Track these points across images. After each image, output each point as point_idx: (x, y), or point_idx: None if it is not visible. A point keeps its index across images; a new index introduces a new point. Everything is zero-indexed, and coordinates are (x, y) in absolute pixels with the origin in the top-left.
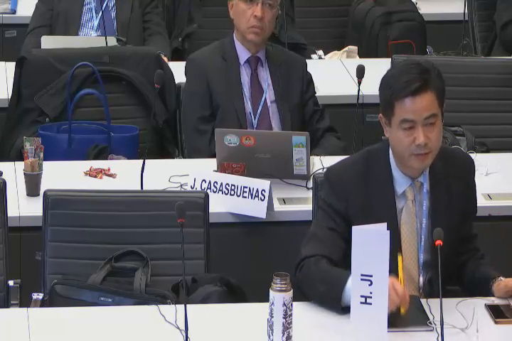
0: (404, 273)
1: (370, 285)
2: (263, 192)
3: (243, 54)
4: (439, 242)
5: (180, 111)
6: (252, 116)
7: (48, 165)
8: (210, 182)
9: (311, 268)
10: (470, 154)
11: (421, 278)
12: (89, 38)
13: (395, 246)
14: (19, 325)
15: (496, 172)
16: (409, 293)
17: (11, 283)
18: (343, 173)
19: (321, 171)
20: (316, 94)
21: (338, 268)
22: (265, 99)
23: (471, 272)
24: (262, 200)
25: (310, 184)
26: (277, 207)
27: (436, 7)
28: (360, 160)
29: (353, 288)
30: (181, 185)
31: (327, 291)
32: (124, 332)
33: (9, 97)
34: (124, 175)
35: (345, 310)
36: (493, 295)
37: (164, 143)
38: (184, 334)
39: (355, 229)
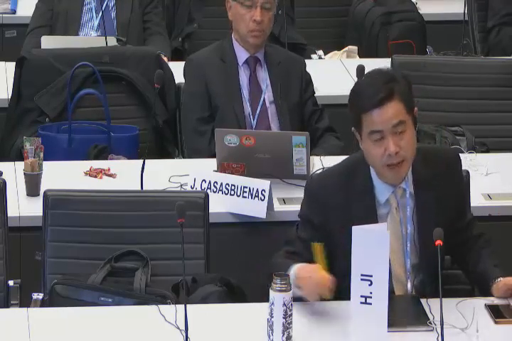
0: (393, 278)
1: (370, 285)
2: (263, 192)
3: (242, 55)
4: (439, 242)
5: (180, 111)
6: (251, 117)
7: (48, 165)
8: (210, 182)
9: (269, 264)
10: (470, 154)
11: (409, 283)
12: (89, 38)
13: None
14: (19, 325)
15: (496, 172)
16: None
17: (11, 283)
18: (323, 183)
19: (320, 171)
20: (316, 94)
21: (289, 260)
22: (264, 99)
23: (473, 265)
24: (262, 200)
25: None
26: (277, 207)
27: (436, 7)
28: (342, 170)
29: (353, 288)
30: (181, 185)
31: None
32: (124, 332)
33: (9, 97)
34: (124, 175)
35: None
36: (493, 295)
37: (164, 143)
38: (184, 334)
39: (355, 229)
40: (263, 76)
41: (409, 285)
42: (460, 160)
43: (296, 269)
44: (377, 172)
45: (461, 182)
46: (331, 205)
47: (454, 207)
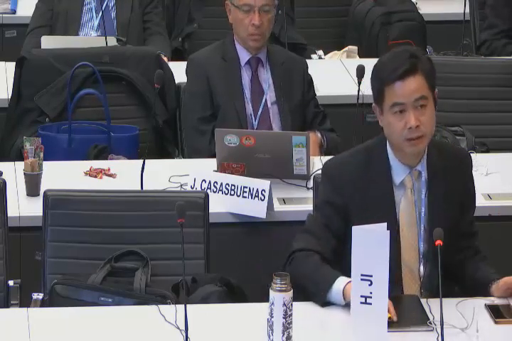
0: (403, 264)
1: (370, 285)
2: (263, 192)
3: (244, 55)
4: (439, 242)
5: (180, 111)
6: (253, 118)
7: (48, 165)
8: (210, 182)
9: (302, 262)
10: (470, 154)
11: (421, 268)
12: (89, 38)
13: (394, 237)
14: (19, 325)
15: (496, 172)
16: (408, 285)
17: (11, 283)
18: (341, 167)
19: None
20: (316, 94)
21: (328, 266)
22: (266, 100)
23: (471, 273)
24: (262, 200)
25: (310, 184)
26: (277, 207)
27: (436, 7)
28: (359, 154)
29: (353, 288)
30: (181, 185)
31: (313, 290)
32: (124, 332)
33: (9, 97)
34: (124, 175)
35: (325, 305)
36: (493, 296)
37: (164, 143)
38: (184, 334)
39: (355, 229)
40: (265, 76)
41: (421, 271)
42: (471, 159)
43: (347, 281)
44: (396, 148)
45: (471, 180)
46: (349, 188)
47: (461, 201)
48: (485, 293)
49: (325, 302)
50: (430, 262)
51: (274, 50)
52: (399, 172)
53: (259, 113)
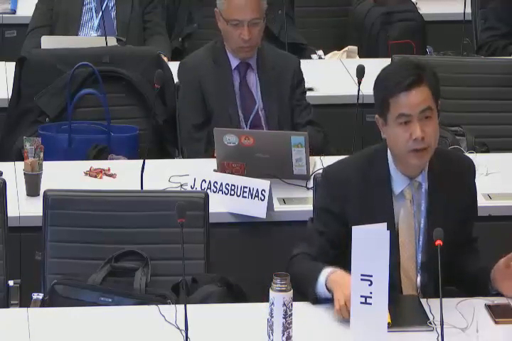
0: (402, 274)
1: (370, 285)
2: (263, 192)
3: (233, 60)
4: (439, 242)
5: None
6: (244, 123)
7: (47, 165)
8: (210, 182)
9: (296, 265)
10: (470, 154)
11: (418, 279)
12: (89, 38)
13: (393, 247)
14: (19, 325)
15: (496, 172)
16: (407, 293)
17: (11, 283)
18: (341, 173)
19: (321, 171)
20: (316, 94)
21: (317, 262)
22: (257, 105)
23: (471, 271)
24: (262, 200)
25: (310, 184)
26: (277, 207)
27: (436, 7)
28: (360, 160)
29: (353, 288)
30: (181, 185)
31: (304, 288)
32: (124, 332)
33: (9, 97)
34: (124, 175)
35: (316, 301)
36: (493, 291)
37: (164, 143)
38: (184, 334)
39: (355, 229)
40: (253, 82)
41: (418, 281)
42: (474, 168)
43: (328, 272)
44: (398, 160)
45: (473, 190)
46: (348, 195)
47: (462, 212)
48: (485, 283)
49: (314, 299)
50: (428, 273)
51: (264, 54)
52: (399, 183)
53: (250, 119)
